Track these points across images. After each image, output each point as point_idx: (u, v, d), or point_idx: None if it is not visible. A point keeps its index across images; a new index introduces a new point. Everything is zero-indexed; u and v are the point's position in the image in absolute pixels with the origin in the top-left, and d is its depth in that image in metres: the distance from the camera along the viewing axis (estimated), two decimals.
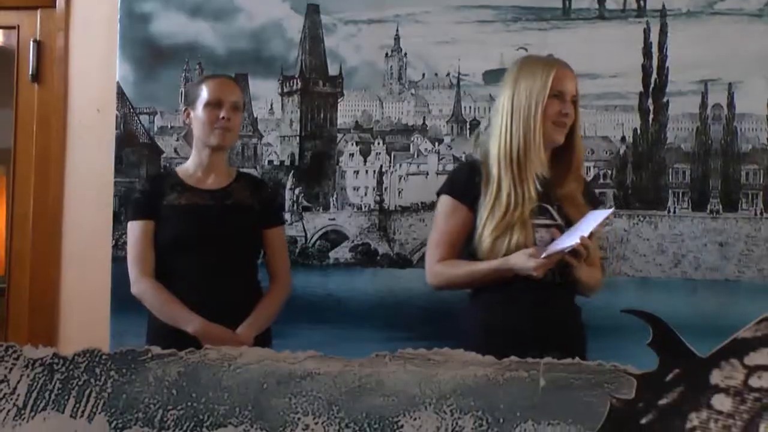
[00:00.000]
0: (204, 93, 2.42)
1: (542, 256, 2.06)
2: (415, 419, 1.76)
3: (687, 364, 1.58)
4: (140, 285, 2.41)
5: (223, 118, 2.39)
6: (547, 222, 2.18)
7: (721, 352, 1.53)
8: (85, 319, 3.16)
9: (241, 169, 2.72)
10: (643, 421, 1.62)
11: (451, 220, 2.21)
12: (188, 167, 2.52)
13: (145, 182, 2.65)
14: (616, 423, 1.61)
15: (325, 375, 1.82)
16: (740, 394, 1.51)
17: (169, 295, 2.37)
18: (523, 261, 2.07)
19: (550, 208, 2.19)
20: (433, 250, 2.25)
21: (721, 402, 1.52)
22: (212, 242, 2.38)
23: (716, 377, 1.57)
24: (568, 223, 2.15)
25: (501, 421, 1.73)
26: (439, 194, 2.27)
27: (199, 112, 2.43)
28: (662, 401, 1.56)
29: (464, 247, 2.22)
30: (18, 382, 1.81)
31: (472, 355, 1.83)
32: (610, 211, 2.15)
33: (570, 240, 2.06)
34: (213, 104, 2.40)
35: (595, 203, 2.33)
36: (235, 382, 1.83)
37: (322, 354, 1.94)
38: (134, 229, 2.45)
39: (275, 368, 1.84)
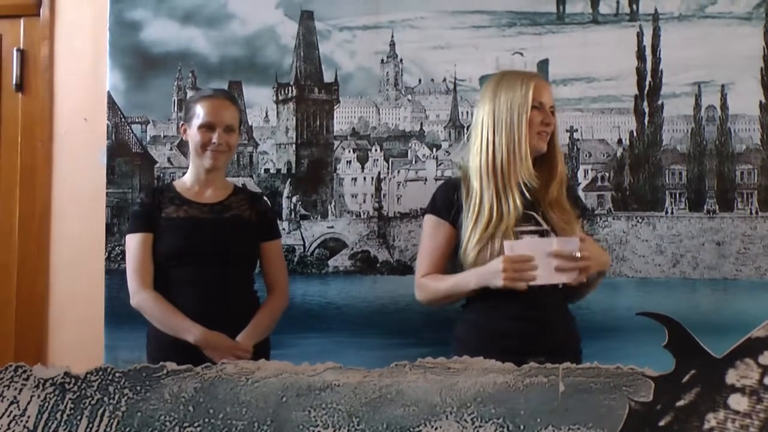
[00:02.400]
0: (198, 113, 2.44)
1: (508, 253, 2.11)
2: (436, 428, 1.77)
3: (703, 365, 1.60)
4: (140, 296, 2.42)
5: (215, 142, 2.42)
6: (532, 228, 2.22)
7: (736, 351, 1.57)
8: (75, 334, 3.11)
9: (238, 183, 2.74)
10: (662, 423, 1.65)
11: (434, 236, 2.30)
12: (186, 181, 2.53)
13: (143, 195, 2.61)
14: (636, 425, 1.63)
15: (345, 386, 1.81)
16: (756, 393, 1.55)
17: (168, 305, 2.38)
18: (490, 274, 2.14)
19: (535, 214, 2.22)
20: (419, 266, 2.35)
21: (738, 401, 1.56)
22: (210, 254, 2.42)
23: (732, 377, 1.61)
24: (554, 229, 2.21)
25: (522, 427, 1.75)
26: (424, 214, 2.38)
27: (193, 131, 2.45)
28: (680, 402, 1.59)
29: (451, 261, 2.30)
30: (28, 403, 1.79)
31: (492, 363, 1.84)
32: (576, 241, 2.15)
33: (548, 266, 2.10)
34: (206, 127, 2.42)
35: (578, 202, 2.44)
36: (253, 396, 1.82)
37: (341, 365, 1.93)
38: (133, 241, 2.46)
39: (294, 381, 1.84)
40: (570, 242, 2.13)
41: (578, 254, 2.10)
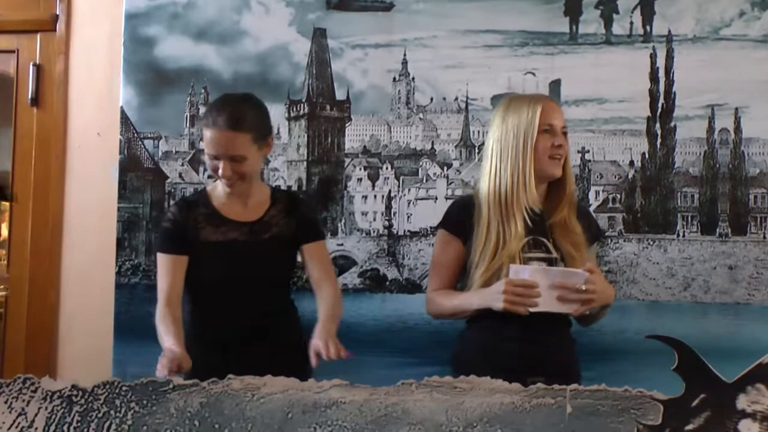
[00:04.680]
0: (204, 138, 2.28)
1: (512, 277, 2.09)
2: None
3: (713, 390, 1.58)
4: (157, 313, 2.29)
5: (220, 174, 2.27)
6: (542, 255, 2.20)
7: (747, 377, 1.54)
8: (85, 347, 3.12)
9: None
10: None
11: (445, 252, 2.29)
12: (220, 192, 2.35)
13: (174, 209, 2.41)
14: None
15: (351, 404, 1.80)
16: (767, 419, 1.52)
17: (167, 325, 2.24)
18: (492, 296, 2.11)
19: (545, 241, 2.20)
20: (430, 280, 2.35)
21: (748, 427, 1.53)
22: (251, 279, 2.30)
23: (742, 402, 1.58)
24: (563, 257, 2.18)
25: None
26: (437, 228, 2.36)
27: (205, 155, 2.33)
28: (689, 427, 1.56)
29: (459, 279, 2.28)
30: (36, 415, 1.79)
31: (499, 383, 1.83)
32: (582, 274, 2.11)
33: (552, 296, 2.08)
34: (211, 157, 2.28)
35: (591, 227, 2.34)
36: (258, 412, 1.82)
37: (347, 382, 1.93)
38: (162, 261, 2.34)
39: (300, 397, 1.83)
40: (575, 275, 2.10)
41: (583, 287, 2.07)
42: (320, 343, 2.08)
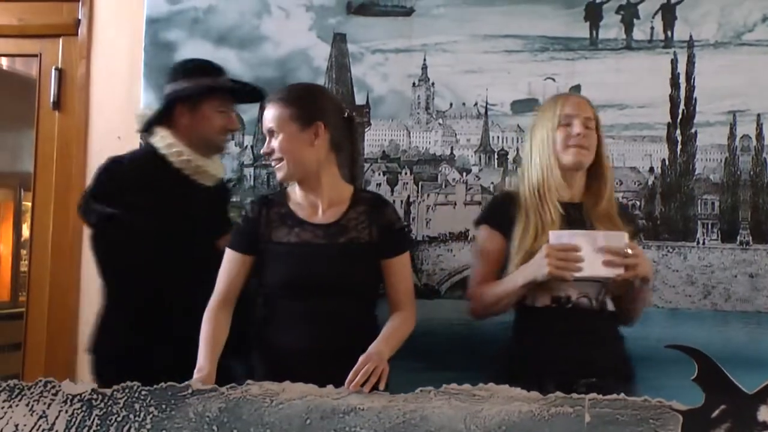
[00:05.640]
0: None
1: (552, 241, 2.12)
2: None
3: (733, 401, 1.60)
4: (206, 312, 2.22)
5: (264, 152, 2.30)
6: None
7: None
8: None
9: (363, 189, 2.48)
10: None
11: (487, 246, 2.35)
12: (297, 193, 2.30)
13: (251, 207, 2.35)
14: None
15: (369, 410, 1.83)
16: None
17: (210, 332, 2.17)
18: (535, 265, 2.14)
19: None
20: (471, 278, 2.41)
21: None
22: (324, 286, 2.19)
23: (764, 414, 1.60)
24: None
25: None
26: (478, 223, 2.41)
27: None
28: None
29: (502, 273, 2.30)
30: (56, 418, 1.84)
31: (517, 391, 1.84)
32: (625, 236, 2.14)
33: (595, 260, 2.09)
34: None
35: (631, 218, 2.44)
36: (277, 417, 1.86)
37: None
38: (226, 258, 2.28)
39: (319, 403, 1.87)
40: (618, 236, 2.12)
41: (628, 251, 2.09)
42: (361, 358, 1.98)
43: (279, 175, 2.27)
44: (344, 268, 2.21)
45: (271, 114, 2.24)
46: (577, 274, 2.09)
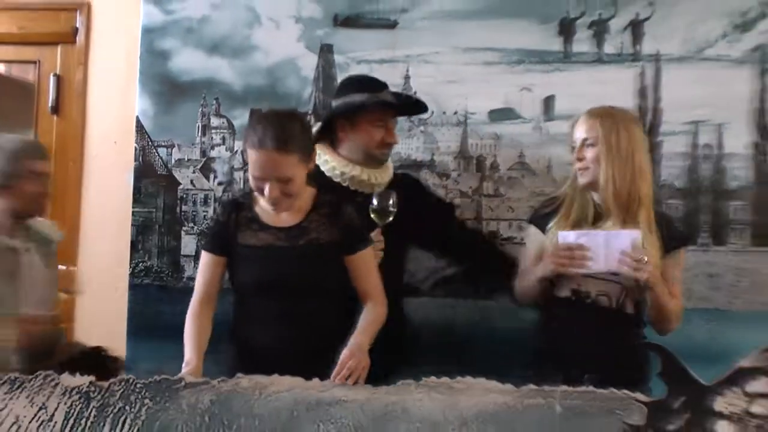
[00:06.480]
0: (249, 158, 2.23)
1: (561, 242, 2.30)
2: None
3: (692, 392, 1.62)
4: (189, 310, 2.30)
5: (266, 195, 2.22)
6: None
7: (724, 380, 1.61)
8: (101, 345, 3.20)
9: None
10: None
11: (530, 243, 2.53)
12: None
13: (221, 210, 2.40)
14: None
15: (353, 402, 1.86)
16: (742, 420, 1.60)
17: (194, 328, 2.24)
18: (546, 261, 2.34)
19: None
20: (519, 271, 2.56)
21: (724, 428, 1.61)
22: (290, 287, 2.24)
23: (719, 404, 1.62)
24: None
25: None
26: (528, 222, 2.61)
27: (249, 173, 2.27)
28: (670, 427, 1.63)
29: None
30: (55, 409, 1.83)
31: (493, 384, 1.86)
32: (631, 234, 2.27)
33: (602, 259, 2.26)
34: (256, 178, 2.22)
35: (670, 230, 2.46)
36: (266, 409, 1.84)
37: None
38: (202, 259, 2.36)
39: (305, 395, 1.86)
40: (623, 235, 2.25)
41: (643, 258, 2.21)
42: (344, 353, 2.08)
43: (278, 209, 2.29)
44: (305, 269, 2.26)
45: (280, 164, 2.18)
46: (583, 271, 2.27)
